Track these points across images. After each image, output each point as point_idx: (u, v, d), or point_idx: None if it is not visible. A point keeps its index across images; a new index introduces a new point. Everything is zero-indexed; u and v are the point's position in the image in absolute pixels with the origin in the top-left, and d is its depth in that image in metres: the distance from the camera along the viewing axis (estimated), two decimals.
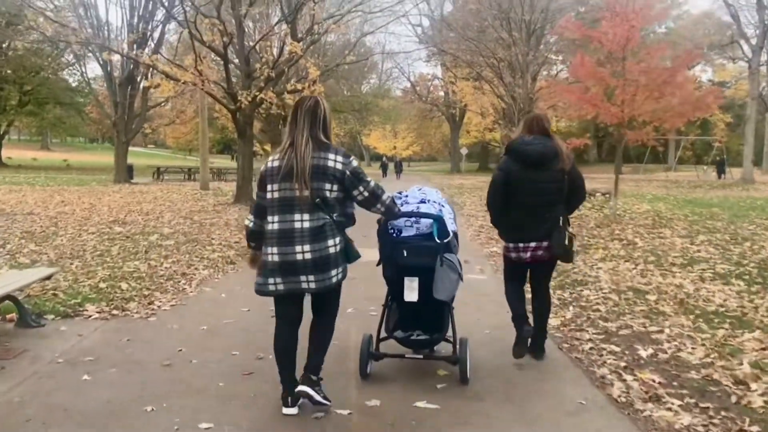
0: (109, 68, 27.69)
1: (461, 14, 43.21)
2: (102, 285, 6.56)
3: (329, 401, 3.49)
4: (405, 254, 3.89)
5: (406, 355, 4.13)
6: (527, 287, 4.59)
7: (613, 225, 11.75)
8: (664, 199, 22.58)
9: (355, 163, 3.47)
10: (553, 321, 5.21)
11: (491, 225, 4.82)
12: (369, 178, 3.50)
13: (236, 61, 18.48)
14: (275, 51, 15.96)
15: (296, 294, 3.47)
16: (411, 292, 3.88)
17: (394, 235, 3.99)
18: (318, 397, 3.44)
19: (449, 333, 4.06)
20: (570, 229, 4.32)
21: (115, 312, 5.64)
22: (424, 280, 3.84)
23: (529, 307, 4.52)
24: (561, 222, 4.22)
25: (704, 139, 44.90)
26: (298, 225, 3.33)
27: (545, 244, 4.20)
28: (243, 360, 4.43)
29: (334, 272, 3.40)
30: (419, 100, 60.70)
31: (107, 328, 5.19)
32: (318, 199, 3.33)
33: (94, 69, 32.89)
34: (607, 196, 18.93)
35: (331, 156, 3.37)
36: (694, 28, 50.91)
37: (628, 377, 4.09)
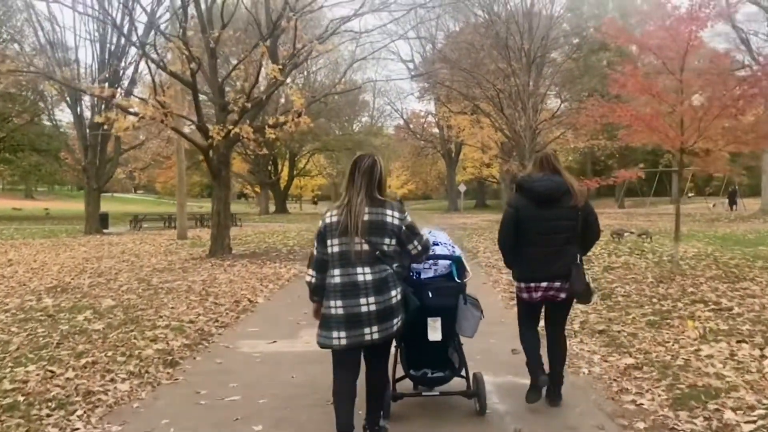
0: (78, 109, 25.42)
1: (455, 46, 41.36)
2: None
3: None
4: (431, 295, 3.95)
5: (423, 393, 4.27)
6: (542, 332, 4.47)
7: (678, 278, 9.29)
8: (695, 236, 20.29)
9: (410, 218, 3.62)
10: None
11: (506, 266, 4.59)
12: (422, 232, 3.73)
13: (209, 91, 16.15)
14: (252, 78, 13.60)
15: (360, 347, 3.55)
16: (434, 332, 3.96)
17: (414, 277, 4.07)
18: None
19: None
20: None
21: None
22: (445, 320, 3.97)
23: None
24: (578, 260, 4.17)
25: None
26: (361, 278, 3.46)
27: (557, 284, 4.14)
28: None
29: (395, 321, 3.53)
30: (413, 137, 58.92)
31: None
32: (378, 252, 3.47)
33: (65, 111, 30.36)
34: (644, 237, 16.51)
35: (389, 212, 3.55)
36: None
37: None
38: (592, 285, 4.50)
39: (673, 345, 5.71)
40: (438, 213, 49.62)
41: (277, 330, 6.83)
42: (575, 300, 4.33)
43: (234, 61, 19.74)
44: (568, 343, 4.71)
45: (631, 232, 17.84)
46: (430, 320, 3.91)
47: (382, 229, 3.50)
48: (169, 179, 65.34)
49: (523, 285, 4.25)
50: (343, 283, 3.48)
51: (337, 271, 3.51)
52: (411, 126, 60.14)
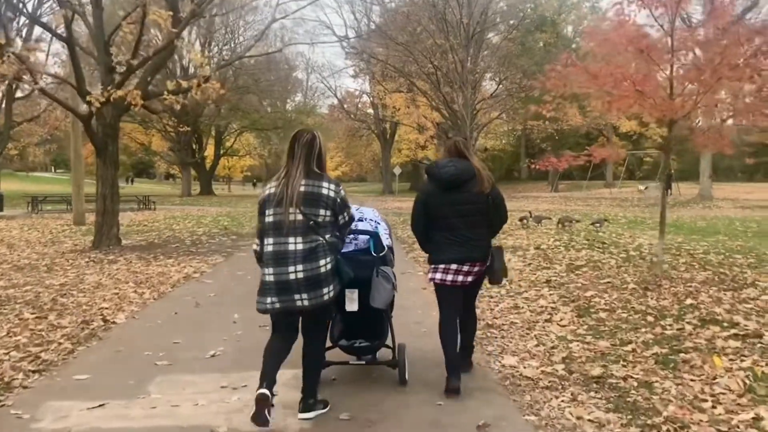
0: None
1: (392, 20, 39.07)
2: None
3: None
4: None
5: (350, 362, 4.42)
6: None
7: (665, 283, 7.46)
8: (642, 223, 18.95)
9: (344, 192, 3.75)
10: None
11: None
12: (351, 205, 3.86)
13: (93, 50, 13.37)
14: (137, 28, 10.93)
15: (291, 312, 3.64)
16: (351, 302, 4.09)
17: None
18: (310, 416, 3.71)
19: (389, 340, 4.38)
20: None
21: None
22: (364, 292, 4.04)
23: None
24: (489, 243, 4.30)
25: (653, 152, 41.95)
26: (291, 247, 3.55)
27: (466, 267, 4.20)
28: None
29: (325, 290, 3.59)
30: (347, 117, 56.52)
31: None
32: (311, 223, 3.58)
33: None
34: (597, 225, 14.82)
35: (325, 184, 3.66)
36: None
37: None
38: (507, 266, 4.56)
39: (713, 407, 3.76)
40: (372, 196, 47.45)
41: (118, 378, 4.51)
42: (489, 281, 4.45)
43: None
44: (557, 401, 4.00)
45: (577, 220, 16.19)
46: (347, 291, 4.01)
47: (317, 201, 3.60)
48: (91, 154, 60.79)
49: (433, 267, 4.30)
50: (275, 252, 3.59)
51: (270, 240, 3.62)
52: (345, 106, 57.77)
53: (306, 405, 3.76)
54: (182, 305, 7.05)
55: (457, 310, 4.33)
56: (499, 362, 4.78)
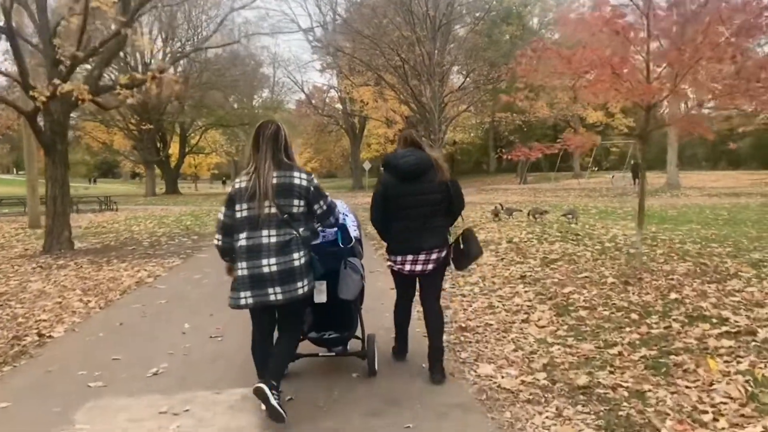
0: None
1: (357, 13, 38.47)
2: None
3: (283, 412, 3.42)
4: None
5: (320, 354, 4.39)
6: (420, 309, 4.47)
7: (646, 276, 7.09)
8: (613, 213, 18.80)
9: (316, 180, 3.70)
10: None
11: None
12: (327, 194, 3.77)
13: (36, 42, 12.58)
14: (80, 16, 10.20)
15: (266, 307, 3.59)
16: (320, 294, 4.02)
17: None
18: (273, 402, 3.40)
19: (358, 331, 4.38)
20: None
21: None
22: (333, 283, 4.01)
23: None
24: (447, 230, 4.32)
25: (627, 142, 42.02)
26: (265, 240, 3.50)
27: (422, 257, 4.18)
28: None
29: (300, 284, 3.54)
30: (315, 112, 55.70)
31: None
32: (285, 215, 3.52)
33: None
34: (569, 217, 14.51)
35: (296, 174, 3.59)
36: None
37: None
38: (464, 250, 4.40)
39: (715, 419, 3.35)
40: (343, 191, 46.84)
41: (41, 406, 3.94)
42: (456, 267, 4.43)
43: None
44: (540, 418, 3.56)
45: (545, 211, 15.86)
46: (316, 283, 3.83)
47: (290, 191, 3.55)
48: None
49: (394, 257, 4.29)
50: (248, 246, 3.52)
51: (243, 234, 3.56)
52: (313, 101, 56.94)
53: (269, 384, 3.54)
54: (129, 315, 6.46)
55: (413, 292, 4.47)
56: (474, 372, 4.32)
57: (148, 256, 11.24)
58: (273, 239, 3.48)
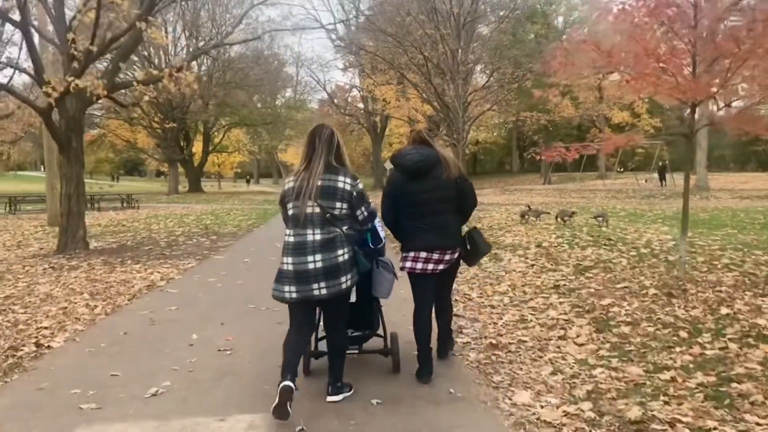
0: None
1: (380, 11, 38.03)
2: None
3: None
4: None
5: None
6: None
7: (690, 288, 6.54)
8: (643, 216, 18.10)
9: (361, 186, 3.80)
10: None
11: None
12: (370, 200, 3.88)
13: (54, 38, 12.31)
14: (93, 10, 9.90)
15: (309, 302, 3.71)
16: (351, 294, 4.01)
17: None
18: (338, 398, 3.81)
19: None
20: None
21: None
22: (361, 283, 4.07)
23: None
24: (459, 230, 4.32)
25: (655, 143, 41.01)
26: (310, 238, 3.65)
27: (435, 255, 4.17)
28: None
29: (343, 279, 3.66)
30: (337, 111, 55.39)
31: None
32: (328, 215, 3.65)
33: None
34: (600, 220, 13.91)
35: (341, 178, 3.70)
36: None
37: None
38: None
39: None
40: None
41: None
42: (467, 264, 4.49)
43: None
44: None
45: (574, 213, 15.24)
46: None
47: (333, 194, 3.67)
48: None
49: (404, 255, 4.27)
50: (295, 243, 3.67)
51: (290, 231, 3.72)
52: (335, 100, 56.63)
53: (334, 389, 3.87)
54: (135, 322, 6.07)
55: (431, 299, 4.35)
56: (510, 399, 3.84)
57: (164, 257, 10.89)
58: (318, 236, 3.62)
